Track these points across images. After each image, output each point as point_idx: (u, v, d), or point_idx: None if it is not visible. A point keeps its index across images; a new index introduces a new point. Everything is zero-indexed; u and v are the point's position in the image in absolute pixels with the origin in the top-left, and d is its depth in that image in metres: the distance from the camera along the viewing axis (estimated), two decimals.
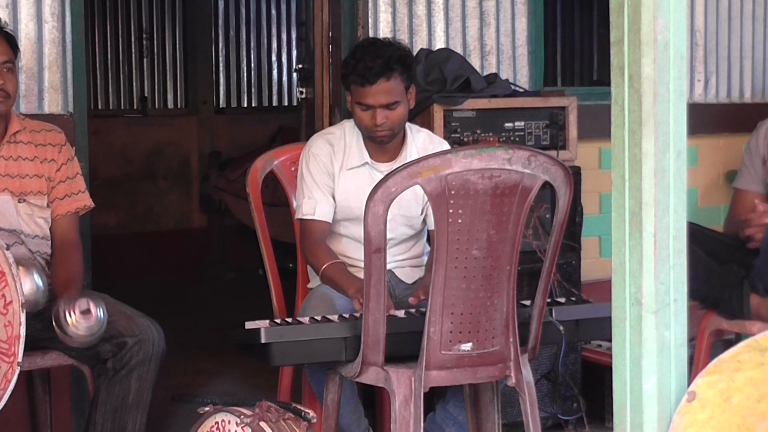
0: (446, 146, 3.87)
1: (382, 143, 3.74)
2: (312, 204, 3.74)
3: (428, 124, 4.20)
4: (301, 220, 3.78)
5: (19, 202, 3.56)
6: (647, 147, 2.49)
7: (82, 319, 3.20)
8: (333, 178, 3.77)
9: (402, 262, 3.83)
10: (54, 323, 3.21)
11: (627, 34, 2.50)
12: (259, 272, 6.18)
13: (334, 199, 3.77)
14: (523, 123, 4.43)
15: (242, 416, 2.95)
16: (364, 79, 3.61)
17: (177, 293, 7.70)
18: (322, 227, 3.76)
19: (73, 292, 3.37)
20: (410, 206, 3.76)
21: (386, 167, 3.73)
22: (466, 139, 4.29)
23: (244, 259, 7.98)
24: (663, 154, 2.50)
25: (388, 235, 3.69)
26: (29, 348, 3.10)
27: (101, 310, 3.23)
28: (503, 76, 4.90)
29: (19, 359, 2.96)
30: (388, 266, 3.61)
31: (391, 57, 3.62)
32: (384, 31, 4.73)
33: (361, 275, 3.36)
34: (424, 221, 3.85)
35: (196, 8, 8.98)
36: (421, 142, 3.83)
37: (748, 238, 3.90)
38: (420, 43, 4.80)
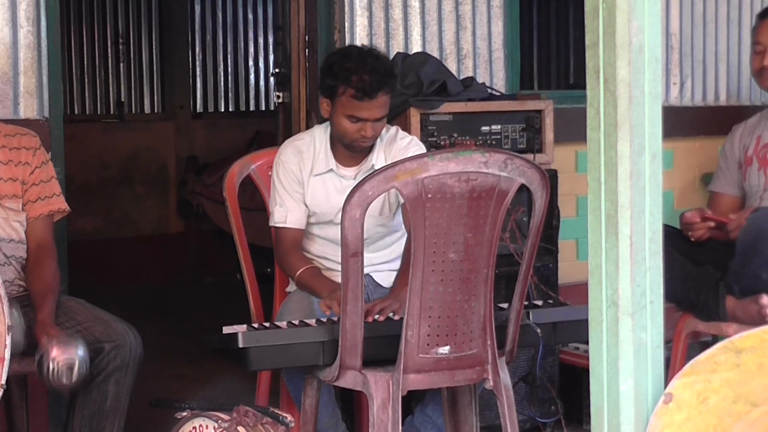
0: (411, 140, 3.83)
1: (361, 151, 3.74)
2: (283, 212, 3.76)
3: (405, 128, 4.20)
4: (274, 227, 3.79)
5: None
6: (623, 150, 2.50)
7: (66, 370, 3.18)
8: (302, 185, 3.78)
9: (380, 266, 3.84)
10: (37, 369, 3.20)
11: (602, 37, 2.51)
12: (237, 277, 6.18)
13: (306, 204, 3.78)
14: (499, 126, 4.44)
15: (220, 421, 2.94)
16: (363, 93, 3.56)
17: (155, 298, 7.67)
18: (294, 234, 3.77)
19: (50, 302, 3.38)
20: (377, 206, 3.76)
21: (351, 172, 3.75)
22: (442, 143, 4.30)
23: (222, 264, 7.97)
24: (638, 156, 2.51)
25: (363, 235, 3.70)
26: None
27: (85, 362, 3.22)
28: (480, 79, 4.91)
29: (3, 381, 2.94)
30: (366, 270, 3.62)
31: (384, 71, 3.60)
32: (360, 35, 4.73)
33: (340, 277, 3.35)
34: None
35: (172, 13, 8.96)
36: (388, 140, 3.82)
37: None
38: (396, 47, 4.81)
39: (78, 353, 3.20)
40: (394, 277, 3.82)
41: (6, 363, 2.93)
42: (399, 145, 3.78)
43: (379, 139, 3.79)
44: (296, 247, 3.77)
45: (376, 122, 3.64)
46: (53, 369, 3.17)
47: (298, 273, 3.66)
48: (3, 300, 2.94)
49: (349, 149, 3.73)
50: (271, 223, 3.80)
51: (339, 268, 3.23)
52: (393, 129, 3.87)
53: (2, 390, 2.91)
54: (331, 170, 3.77)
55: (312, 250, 3.85)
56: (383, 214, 3.79)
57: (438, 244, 3.05)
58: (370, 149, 3.78)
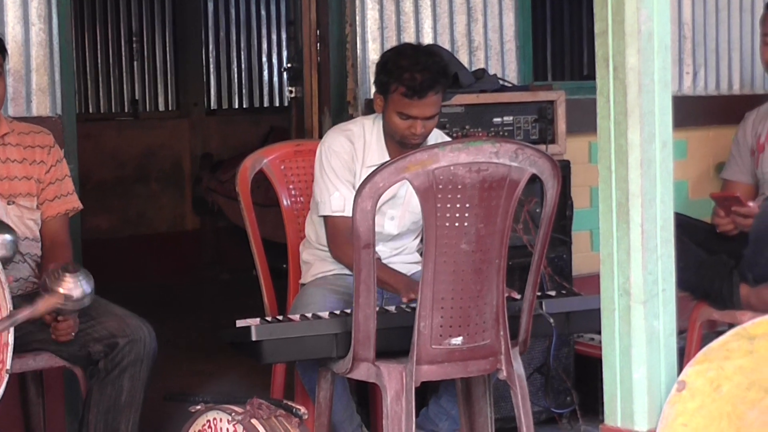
0: None
1: (404, 149, 3.74)
2: (341, 200, 3.68)
3: None
4: (330, 216, 3.70)
5: (8, 204, 3.56)
6: (633, 138, 2.50)
7: (70, 277, 3.19)
8: (354, 174, 3.75)
9: (395, 257, 3.83)
10: (42, 290, 3.20)
11: (611, 25, 2.51)
12: (254, 273, 6.19)
13: None
14: (511, 118, 4.44)
15: (233, 414, 2.95)
16: (413, 92, 3.56)
17: (171, 295, 7.69)
18: (351, 223, 3.72)
19: None
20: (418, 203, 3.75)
21: None
22: (455, 135, 4.29)
23: (237, 260, 7.96)
24: (649, 144, 2.51)
25: (395, 231, 3.73)
26: (21, 350, 3.10)
27: (87, 273, 3.24)
28: (491, 71, 4.91)
29: (8, 366, 2.96)
30: (384, 260, 3.63)
31: (438, 70, 3.60)
32: (372, 29, 4.73)
33: None
34: None
35: (185, 10, 8.98)
36: (433, 139, 3.83)
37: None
38: (408, 40, 4.79)
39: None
40: (407, 268, 3.82)
41: (10, 348, 2.95)
42: None
43: (432, 137, 3.79)
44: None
45: (426, 120, 3.63)
46: (58, 275, 3.18)
47: None
48: (4, 286, 2.96)
49: (401, 145, 3.72)
50: (326, 212, 3.70)
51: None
52: (437, 131, 3.87)
53: (7, 376, 2.93)
54: None
55: None
56: (420, 210, 3.78)
57: (450, 235, 3.06)
58: (421, 144, 3.77)
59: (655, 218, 2.52)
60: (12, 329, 2.94)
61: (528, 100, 4.50)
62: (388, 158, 3.73)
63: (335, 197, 3.70)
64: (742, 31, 5.68)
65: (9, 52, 3.80)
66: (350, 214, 3.63)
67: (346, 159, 3.73)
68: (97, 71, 8.85)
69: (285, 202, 4.07)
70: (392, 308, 3.36)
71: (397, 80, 3.60)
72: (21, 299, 3.31)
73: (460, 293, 3.10)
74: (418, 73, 3.57)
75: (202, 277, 8.30)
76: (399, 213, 3.75)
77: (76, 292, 3.19)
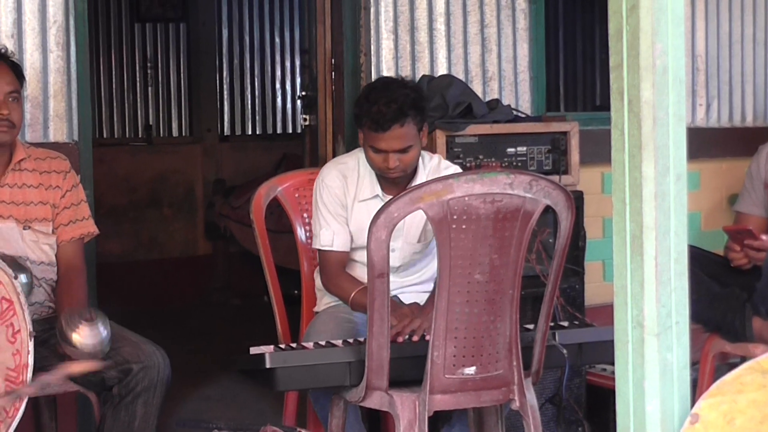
0: (454, 169, 3.87)
1: (395, 183, 3.75)
2: (330, 235, 3.75)
3: (431, 150, 4.22)
4: (320, 250, 3.79)
5: (24, 229, 3.58)
6: (647, 171, 2.50)
7: (86, 326, 3.21)
8: (346, 209, 3.78)
9: (408, 288, 3.84)
10: (59, 336, 3.23)
11: (626, 59, 2.52)
12: (265, 299, 6.21)
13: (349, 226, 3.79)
14: (525, 148, 4.45)
15: None
16: (378, 125, 3.58)
17: (182, 320, 7.70)
18: (341, 257, 3.77)
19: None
20: (417, 234, 3.78)
21: None
22: (468, 165, 4.31)
23: (249, 286, 7.99)
24: (663, 177, 2.51)
25: (398, 263, 3.73)
26: (35, 375, 3.11)
27: (104, 320, 3.25)
28: (505, 101, 4.93)
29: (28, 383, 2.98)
30: (394, 291, 3.64)
31: (404, 102, 3.60)
32: (386, 58, 4.76)
33: None
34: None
35: (200, 37, 9.02)
36: (431, 169, 3.83)
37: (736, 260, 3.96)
38: (422, 70, 4.83)
39: (99, 314, 3.25)
40: (421, 298, 3.83)
41: (29, 369, 2.96)
42: (441, 174, 3.77)
43: (422, 168, 3.80)
44: (343, 269, 3.77)
45: (399, 153, 3.63)
46: (74, 324, 3.20)
47: (351, 296, 3.65)
48: (24, 309, 2.97)
49: (382, 179, 3.75)
50: (317, 246, 3.79)
51: None
52: (436, 157, 3.88)
53: (27, 397, 2.94)
54: (377, 196, 3.77)
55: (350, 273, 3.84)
56: (421, 241, 3.80)
57: (463, 265, 3.07)
58: (412, 177, 3.78)
59: (668, 251, 2.52)
60: (32, 351, 2.96)
61: (541, 130, 4.52)
62: (379, 192, 3.76)
63: (324, 232, 3.76)
64: (755, 63, 5.70)
65: (27, 78, 3.84)
66: (338, 249, 3.74)
67: (338, 194, 3.77)
68: (112, 96, 8.89)
69: (299, 230, 4.09)
70: (414, 336, 3.36)
71: (366, 113, 3.63)
72: (37, 324, 3.33)
73: (474, 323, 3.11)
74: (384, 105, 3.58)
75: (213, 302, 8.31)
76: (399, 245, 3.76)
77: (92, 341, 3.21)
